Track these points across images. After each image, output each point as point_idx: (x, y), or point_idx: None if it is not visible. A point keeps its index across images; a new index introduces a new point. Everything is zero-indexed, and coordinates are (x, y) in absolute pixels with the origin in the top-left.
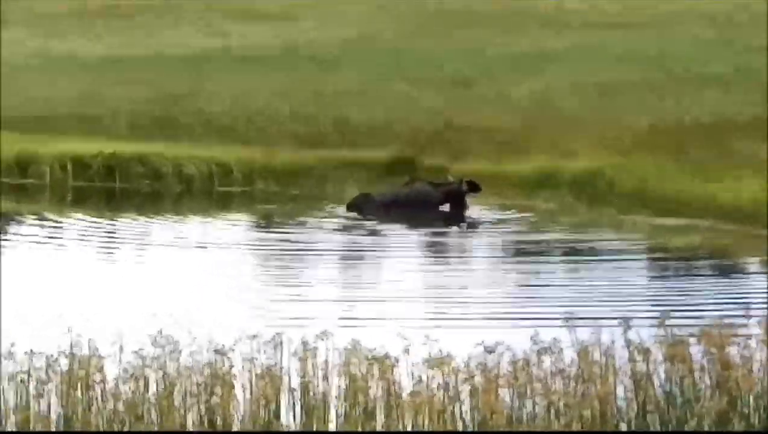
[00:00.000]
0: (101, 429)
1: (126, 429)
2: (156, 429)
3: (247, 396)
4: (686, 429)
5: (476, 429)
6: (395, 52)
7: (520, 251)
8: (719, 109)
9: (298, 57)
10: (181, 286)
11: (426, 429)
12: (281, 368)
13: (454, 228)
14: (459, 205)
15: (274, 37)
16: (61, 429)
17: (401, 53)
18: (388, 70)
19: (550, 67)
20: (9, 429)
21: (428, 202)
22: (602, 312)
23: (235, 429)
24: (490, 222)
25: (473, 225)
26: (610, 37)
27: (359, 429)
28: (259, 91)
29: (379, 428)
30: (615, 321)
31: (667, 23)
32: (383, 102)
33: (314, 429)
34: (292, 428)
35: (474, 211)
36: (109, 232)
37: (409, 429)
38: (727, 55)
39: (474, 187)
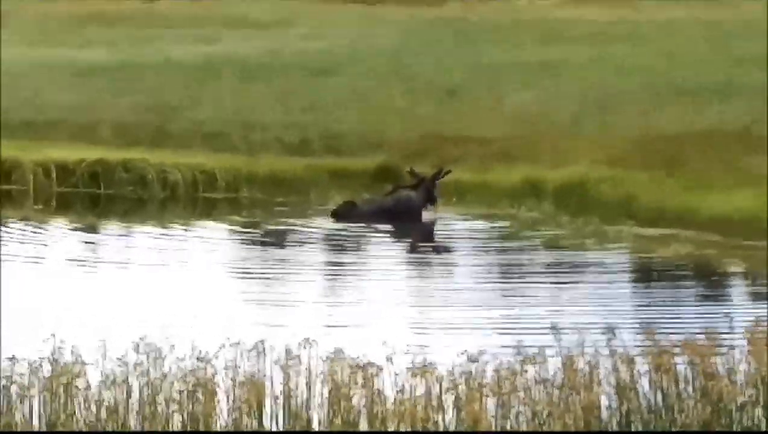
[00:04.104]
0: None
1: None
2: None
3: (230, 403)
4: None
5: None
6: (387, 61)
7: (502, 259)
8: (713, 120)
9: (288, 65)
10: (164, 293)
11: None
12: (264, 375)
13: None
14: (429, 196)
15: (264, 45)
16: None
17: (394, 62)
18: (380, 79)
19: (544, 78)
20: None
21: (411, 209)
22: (586, 321)
23: None
24: (471, 230)
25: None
26: (605, 47)
27: None
28: (249, 99)
29: None
30: (599, 331)
31: (662, 34)
32: (373, 111)
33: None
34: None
35: (453, 218)
36: (91, 238)
37: None
38: (723, 66)
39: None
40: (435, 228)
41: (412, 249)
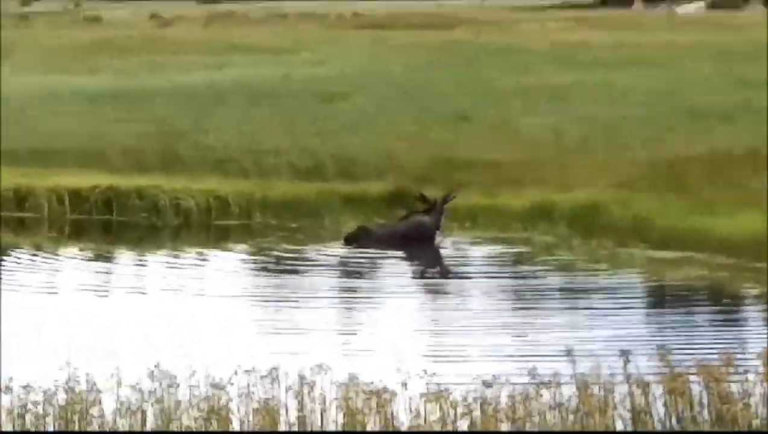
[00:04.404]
0: None
1: None
2: None
3: (245, 430)
4: None
5: None
6: (397, 86)
7: (516, 284)
8: (720, 143)
9: (298, 90)
10: (178, 320)
11: None
12: (278, 402)
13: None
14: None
15: (274, 71)
16: None
17: (404, 87)
18: (390, 104)
19: (554, 102)
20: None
21: (425, 235)
22: (601, 345)
23: None
24: (485, 254)
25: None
26: (613, 71)
27: None
28: (260, 125)
29: None
30: (614, 355)
31: (670, 59)
32: (384, 135)
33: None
34: None
35: (467, 242)
36: (106, 266)
37: None
38: (729, 89)
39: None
40: (448, 253)
41: (424, 275)
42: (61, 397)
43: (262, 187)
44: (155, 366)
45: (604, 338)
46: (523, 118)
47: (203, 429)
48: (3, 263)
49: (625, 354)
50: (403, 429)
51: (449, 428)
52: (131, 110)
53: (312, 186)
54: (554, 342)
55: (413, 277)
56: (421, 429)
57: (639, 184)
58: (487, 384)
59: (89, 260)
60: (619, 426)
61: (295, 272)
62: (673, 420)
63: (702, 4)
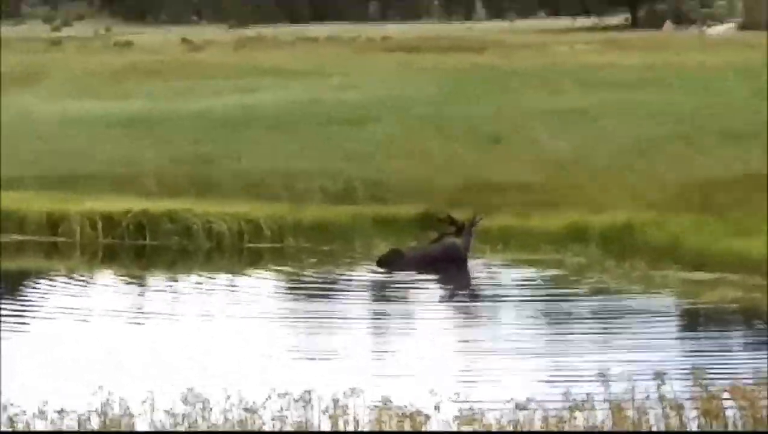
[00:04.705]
0: None
1: None
2: None
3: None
4: None
5: None
6: (427, 109)
7: (550, 306)
8: (753, 163)
9: (328, 114)
10: (211, 344)
11: None
12: (312, 425)
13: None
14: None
15: (304, 95)
16: None
17: (433, 110)
18: (420, 127)
19: (585, 124)
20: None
21: (457, 257)
22: (634, 367)
23: None
24: (517, 276)
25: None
26: (645, 93)
27: None
28: (290, 148)
29: None
30: (648, 377)
31: (701, 79)
32: (414, 158)
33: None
34: None
35: (499, 264)
36: (138, 290)
37: None
38: (761, 110)
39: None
40: (481, 275)
41: (454, 297)
42: (95, 421)
43: (294, 211)
44: (188, 390)
45: (638, 360)
46: (553, 140)
47: None
48: (35, 288)
49: (659, 376)
50: None
51: None
52: (163, 134)
53: (343, 209)
54: (587, 364)
55: (444, 300)
56: None
57: (671, 205)
58: (521, 407)
59: (122, 284)
60: None
61: (327, 295)
62: None
63: (732, 25)
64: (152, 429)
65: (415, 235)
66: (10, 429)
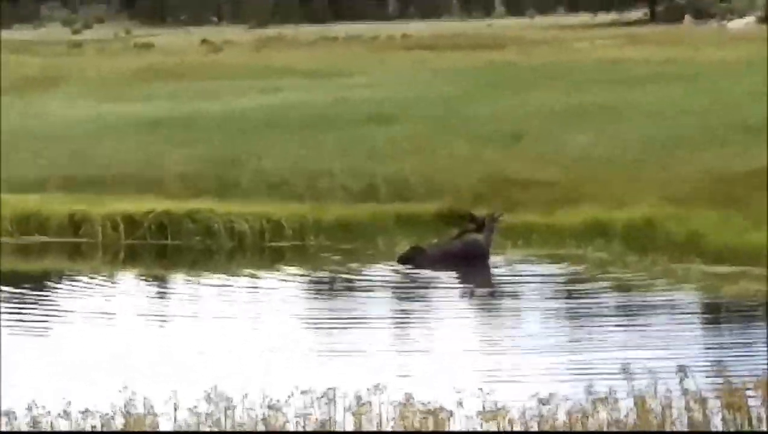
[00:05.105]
0: None
1: None
2: None
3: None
4: None
5: None
6: (448, 107)
7: (572, 301)
8: None
9: (350, 113)
10: (234, 343)
11: None
12: (335, 422)
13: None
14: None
15: (325, 94)
16: None
17: (455, 107)
18: (442, 124)
19: (606, 119)
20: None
21: (479, 253)
22: (658, 362)
23: None
24: (540, 272)
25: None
26: (665, 88)
27: None
28: (312, 148)
29: None
30: (671, 371)
31: (721, 73)
32: (436, 156)
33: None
34: None
35: (521, 260)
36: (161, 290)
37: None
38: None
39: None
40: (503, 271)
41: (476, 293)
42: (119, 421)
43: (316, 209)
44: (212, 389)
45: (661, 354)
46: (575, 136)
47: None
48: (58, 289)
49: (682, 369)
50: None
51: None
52: (184, 135)
53: (365, 207)
54: (610, 359)
55: (466, 296)
56: None
57: (693, 200)
58: (544, 402)
59: (144, 284)
60: None
61: (350, 293)
62: None
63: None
64: (176, 429)
65: (437, 232)
66: (9, 430)
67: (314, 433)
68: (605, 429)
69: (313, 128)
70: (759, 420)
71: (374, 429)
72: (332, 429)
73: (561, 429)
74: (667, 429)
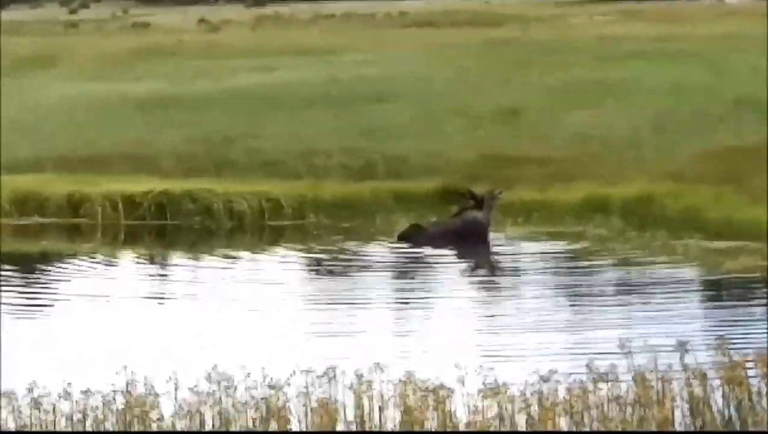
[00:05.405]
0: None
1: None
2: None
3: (303, 430)
4: None
5: None
6: (445, 84)
7: (572, 278)
8: None
9: (347, 91)
10: (234, 322)
11: None
12: (336, 401)
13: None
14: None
15: (322, 72)
16: None
17: (453, 85)
18: (439, 101)
19: (603, 96)
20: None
21: (479, 230)
22: (657, 338)
23: None
24: (539, 250)
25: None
26: (662, 64)
27: None
28: (310, 126)
29: None
30: (671, 347)
31: (718, 49)
32: (433, 133)
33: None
34: None
35: (520, 238)
36: (161, 270)
37: None
38: None
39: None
40: (503, 249)
41: (476, 271)
42: (120, 401)
43: (314, 188)
44: (212, 369)
45: (661, 331)
46: (572, 113)
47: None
48: (58, 270)
49: (682, 345)
50: (462, 425)
51: (507, 423)
52: (182, 115)
53: (363, 185)
54: (610, 335)
55: (466, 274)
56: (478, 427)
57: (691, 176)
58: (545, 379)
59: (144, 264)
60: (678, 417)
61: (349, 271)
62: (731, 410)
63: None
64: (177, 408)
65: (436, 210)
66: (9, 429)
67: (316, 433)
68: (605, 404)
69: (310, 107)
70: (759, 394)
71: (376, 406)
72: (334, 426)
73: (561, 406)
74: (668, 403)
